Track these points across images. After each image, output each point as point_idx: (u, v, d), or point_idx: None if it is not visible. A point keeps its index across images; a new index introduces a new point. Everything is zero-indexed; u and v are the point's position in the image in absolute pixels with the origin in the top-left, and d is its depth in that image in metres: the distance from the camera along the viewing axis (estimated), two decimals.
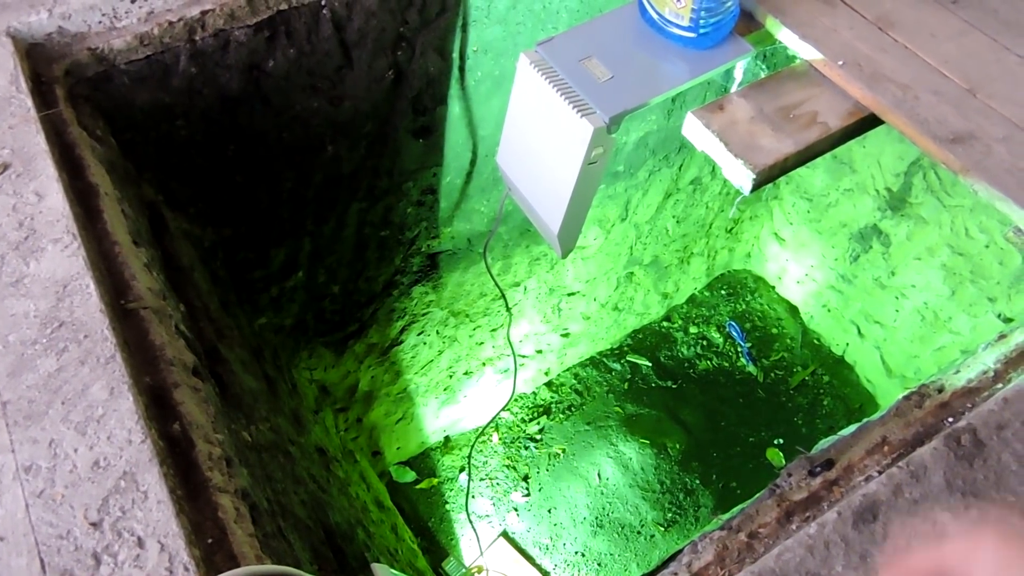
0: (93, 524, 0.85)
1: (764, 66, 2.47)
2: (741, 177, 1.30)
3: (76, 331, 0.98)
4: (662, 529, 3.28)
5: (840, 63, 1.37)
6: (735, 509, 1.04)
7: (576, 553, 3.27)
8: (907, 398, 1.05)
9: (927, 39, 1.41)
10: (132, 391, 0.94)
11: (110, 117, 1.42)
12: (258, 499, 1.08)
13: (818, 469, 0.99)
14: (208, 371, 1.25)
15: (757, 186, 1.30)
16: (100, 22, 1.36)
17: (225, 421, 1.14)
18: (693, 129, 1.36)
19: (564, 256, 1.70)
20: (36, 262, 1.04)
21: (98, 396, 0.93)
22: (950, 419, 1.00)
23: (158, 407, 0.98)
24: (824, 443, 1.06)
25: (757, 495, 1.03)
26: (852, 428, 1.08)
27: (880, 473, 0.94)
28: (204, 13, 1.41)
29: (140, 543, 0.84)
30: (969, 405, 1.01)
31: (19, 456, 0.89)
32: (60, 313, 1.00)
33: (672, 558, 1.01)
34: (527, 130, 1.55)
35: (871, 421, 1.06)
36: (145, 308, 1.07)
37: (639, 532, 3.29)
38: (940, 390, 1.04)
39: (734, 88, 1.46)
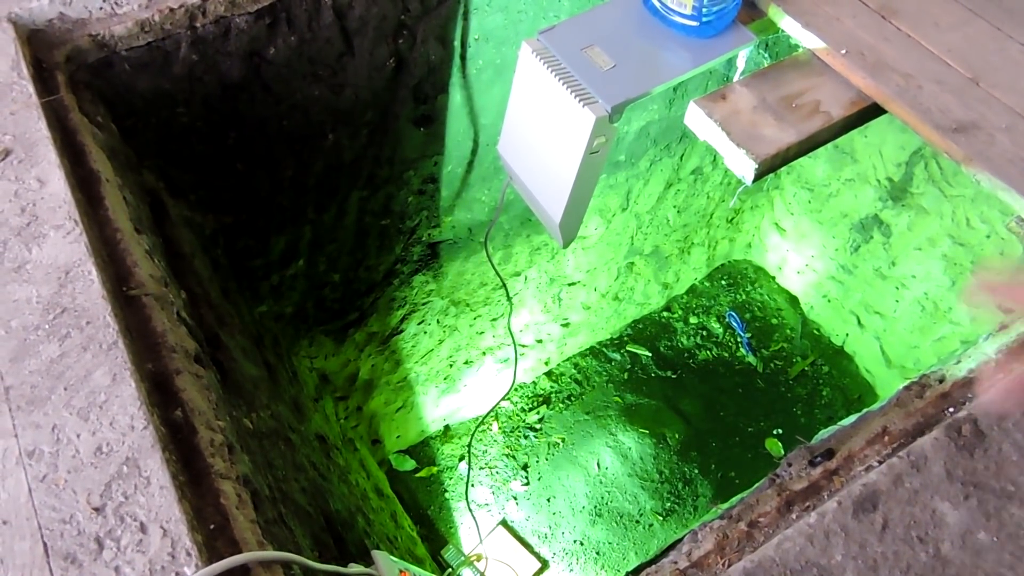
0: (96, 509, 0.85)
1: (767, 55, 2.46)
2: (743, 167, 1.30)
3: (78, 317, 0.98)
4: (660, 518, 3.29)
5: (843, 52, 1.36)
6: (735, 498, 1.04)
7: (575, 542, 3.29)
8: (908, 388, 1.05)
9: (930, 28, 1.40)
10: (134, 377, 0.94)
11: (111, 104, 1.41)
12: (259, 486, 1.09)
13: (818, 459, 0.99)
14: (209, 358, 1.25)
15: (759, 176, 1.30)
16: (101, 8, 1.35)
17: (226, 408, 1.14)
18: (695, 118, 1.36)
19: (566, 246, 1.69)
20: (38, 248, 1.04)
21: (100, 382, 0.93)
22: (951, 409, 1.00)
23: (160, 393, 0.98)
24: (824, 433, 1.06)
25: (757, 484, 1.03)
26: (852, 418, 1.08)
27: (880, 463, 0.94)
28: (205, 0, 1.40)
29: (143, 528, 0.84)
30: (970, 395, 1.01)
31: (22, 441, 0.89)
32: (62, 299, 1.00)
33: (672, 547, 1.01)
34: (529, 119, 1.55)
35: (871, 411, 1.06)
36: (147, 295, 1.07)
37: (637, 521, 3.30)
38: (941, 380, 1.04)
39: (736, 77, 1.45)
